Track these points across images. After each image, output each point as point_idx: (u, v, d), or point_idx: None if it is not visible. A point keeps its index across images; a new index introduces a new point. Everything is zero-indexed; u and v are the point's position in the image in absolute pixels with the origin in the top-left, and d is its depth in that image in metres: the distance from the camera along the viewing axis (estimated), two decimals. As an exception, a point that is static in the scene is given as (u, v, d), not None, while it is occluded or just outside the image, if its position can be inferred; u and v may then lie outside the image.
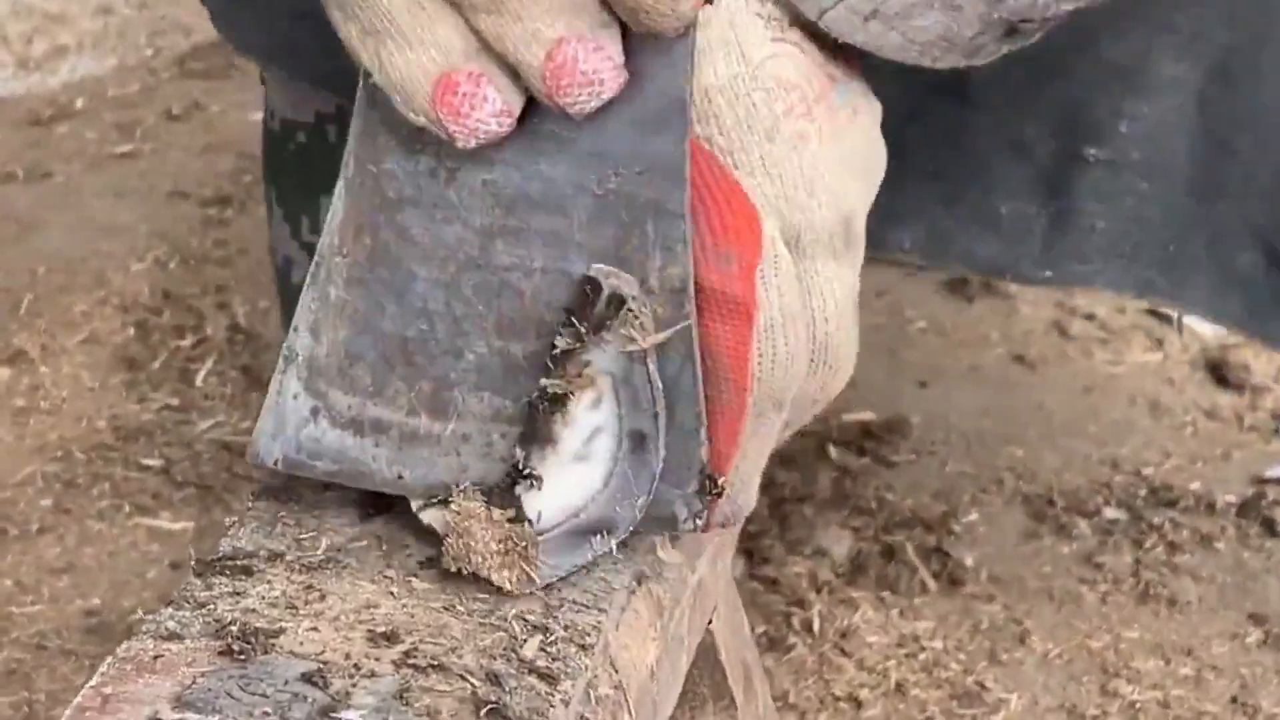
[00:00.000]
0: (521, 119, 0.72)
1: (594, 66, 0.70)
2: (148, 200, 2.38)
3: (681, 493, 0.76)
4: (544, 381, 0.74)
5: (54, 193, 2.40)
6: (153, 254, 2.21)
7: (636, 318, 0.73)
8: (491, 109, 0.71)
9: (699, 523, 0.76)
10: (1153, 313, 2.12)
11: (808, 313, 0.81)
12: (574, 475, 0.75)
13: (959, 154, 1.12)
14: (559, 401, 0.74)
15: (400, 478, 0.77)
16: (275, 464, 0.78)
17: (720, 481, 0.76)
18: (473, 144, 0.71)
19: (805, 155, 0.80)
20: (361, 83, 0.74)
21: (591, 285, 0.73)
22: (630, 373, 0.74)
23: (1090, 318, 2.12)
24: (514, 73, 0.71)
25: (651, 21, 0.70)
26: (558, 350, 0.73)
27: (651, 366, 0.73)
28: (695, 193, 0.76)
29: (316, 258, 0.77)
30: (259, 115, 2.65)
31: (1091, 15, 1.00)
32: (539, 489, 0.75)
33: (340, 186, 0.76)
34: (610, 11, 0.70)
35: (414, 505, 0.78)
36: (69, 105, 2.68)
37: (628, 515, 0.75)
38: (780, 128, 0.80)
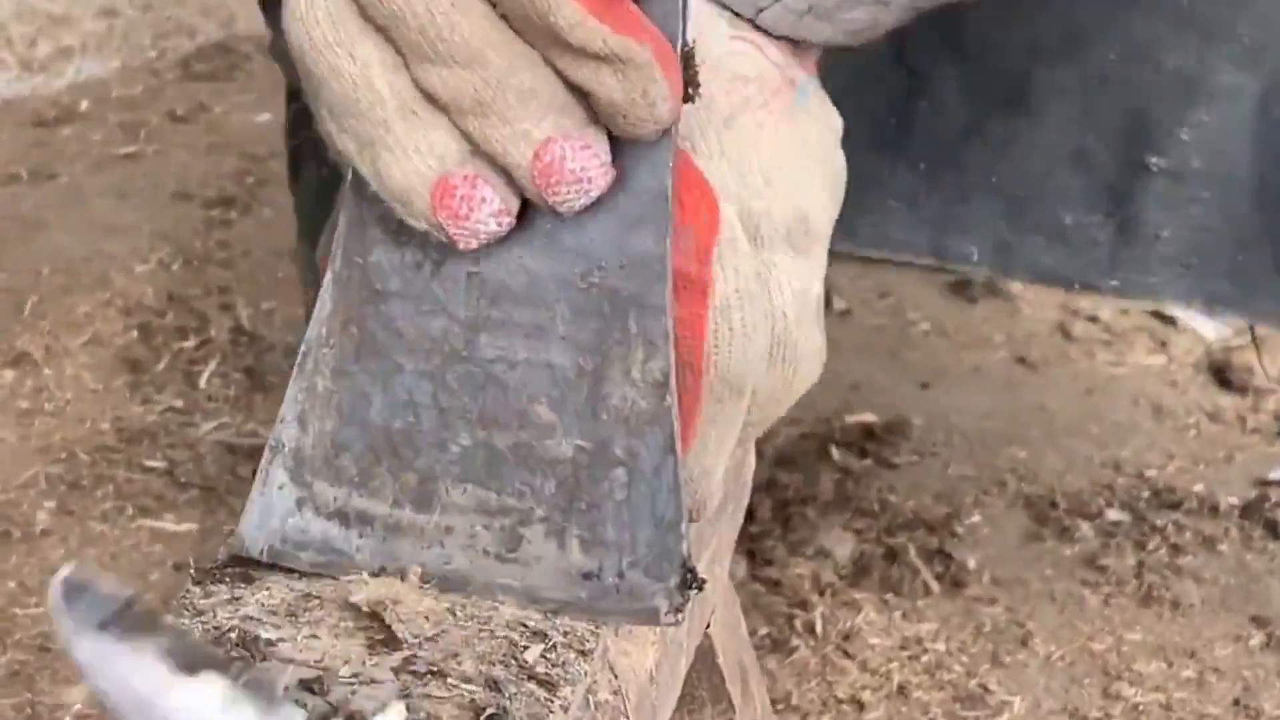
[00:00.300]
0: None
1: (582, 165, 0.70)
2: (151, 201, 2.38)
3: (663, 585, 0.76)
4: None
5: (58, 194, 2.40)
6: (156, 255, 2.21)
7: None
8: (490, 209, 0.71)
9: (680, 617, 0.76)
10: (1156, 314, 2.12)
11: (766, 300, 0.81)
12: None
13: (1020, 166, 1.13)
14: None
15: (383, 570, 0.77)
16: (260, 554, 0.78)
17: (701, 576, 0.76)
18: (474, 244, 0.72)
19: (763, 143, 0.81)
20: (349, 177, 0.75)
21: None
22: None
23: (1093, 319, 2.12)
24: (508, 173, 0.71)
25: (630, 126, 0.71)
26: None
27: None
28: None
29: (304, 348, 0.77)
30: (263, 116, 2.66)
31: (1146, 26, 1.01)
32: None
33: (328, 279, 0.77)
34: (594, 111, 0.71)
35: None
36: (73, 106, 2.68)
37: None
38: (737, 117, 0.81)
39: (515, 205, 0.72)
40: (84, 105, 2.69)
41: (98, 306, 2.08)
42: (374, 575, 0.76)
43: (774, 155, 0.81)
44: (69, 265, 2.18)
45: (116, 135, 2.59)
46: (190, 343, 2.01)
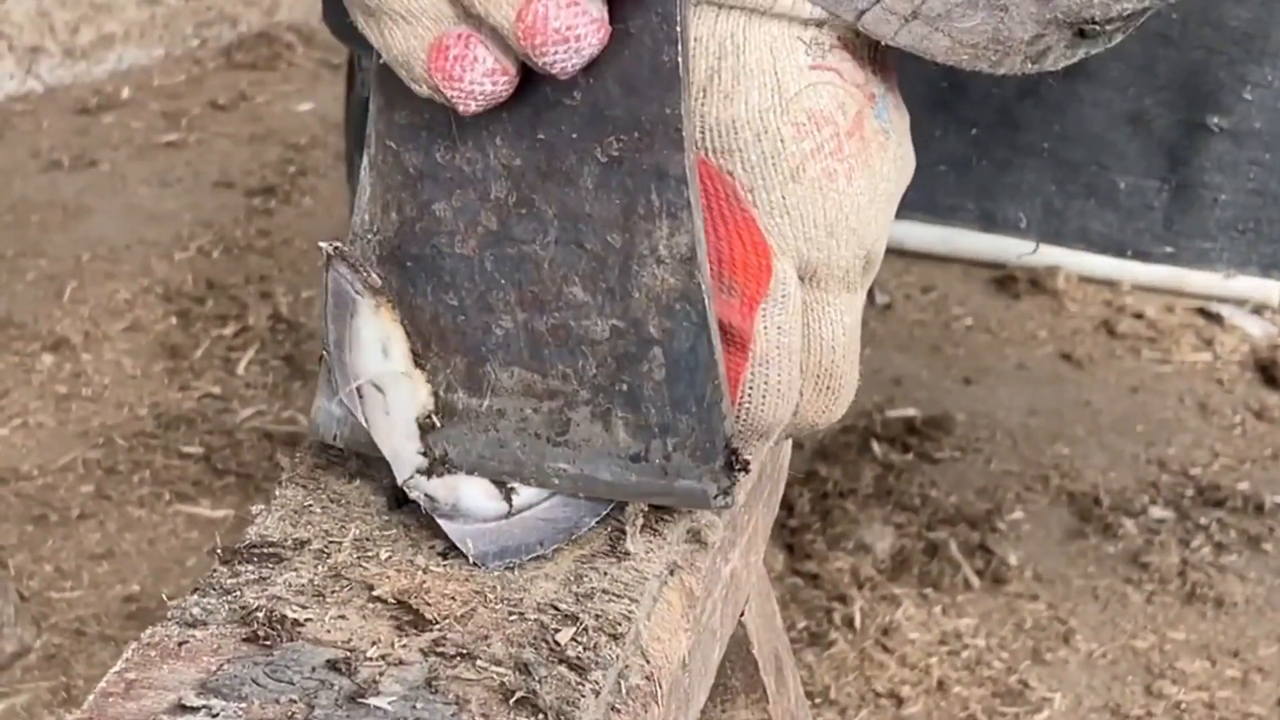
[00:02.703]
0: (521, 90, 0.72)
1: (567, 23, 0.68)
2: (192, 189, 2.38)
3: (709, 467, 0.74)
4: None
5: (100, 181, 2.40)
6: (196, 243, 2.21)
7: None
8: (483, 68, 0.70)
9: (729, 499, 0.75)
10: (1202, 312, 2.10)
11: (815, 342, 0.80)
12: None
13: (1076, 128, 1.11)
14: None
15: (446, 455, 0.77)
16: (334, 439, 0.79)
17: (745, 458, 0.75)
18: (473, 107, 0.71)
19: (830, 196, 0.78)
20: (375, 62, 0.75)
21: None
22: None
23: (1139, 316, 2.10)
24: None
25: None
26: None
27: None
28: (707, 219, 0.75)
29: (350, 236, 0.77)
30: (305, 106, 2.66)
31: None
32: None
33: (365, 163, 0.77)
34: None
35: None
36: (115, 94, 2.68)
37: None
38: (806, 167, 0.78)
39: (512, 66, 0.71)
40: (126, 93, 2.69)
41: (138, 293, 2.08)
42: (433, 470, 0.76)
43: (840, 207, 0.79)
44: (110, 252, 2.18)
45: (158, 123, 2.59)
46: (229, 330, 2.01)
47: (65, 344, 1.96)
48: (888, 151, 0.81)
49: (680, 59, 0.71)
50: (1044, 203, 1.12)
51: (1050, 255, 2.16)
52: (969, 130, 1.03)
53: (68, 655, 1.52)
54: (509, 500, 0.77)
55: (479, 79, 0.70)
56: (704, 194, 0.75)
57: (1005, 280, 2.17)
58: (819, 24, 0.79)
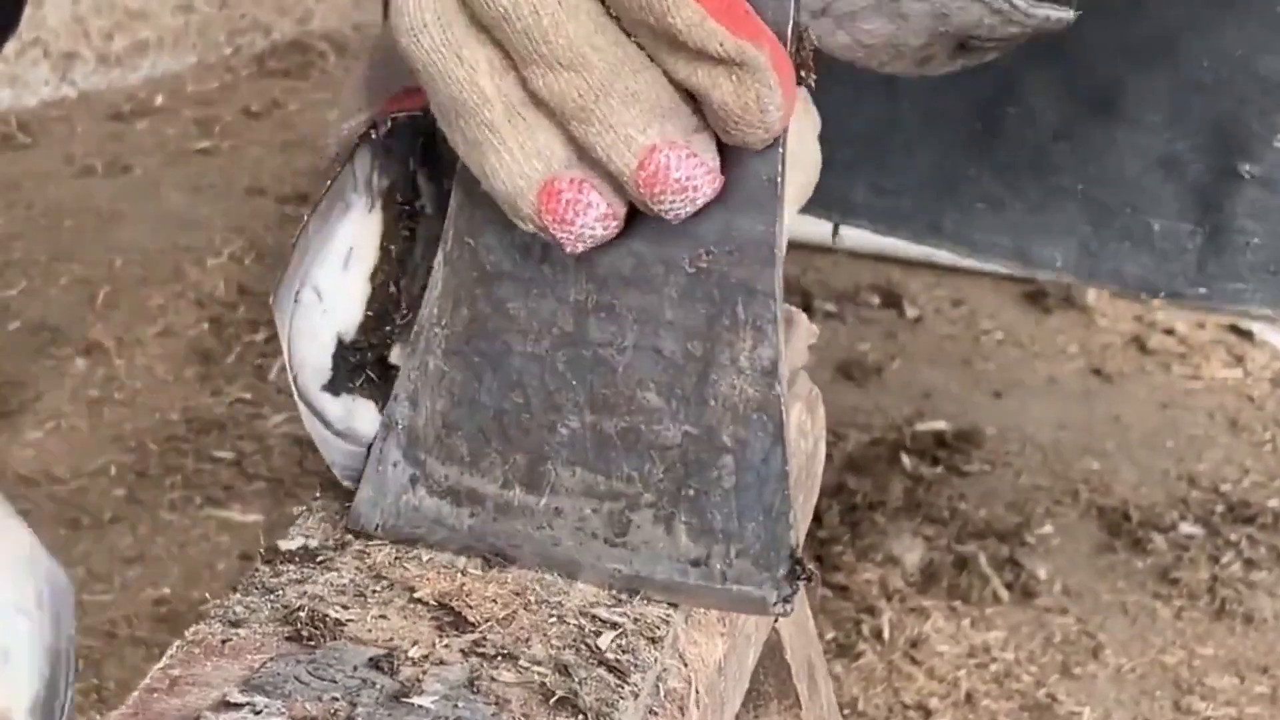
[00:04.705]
0: None
1: (687, 174, 0.69)
2: (225, 196, 2.39)
3: (770, 575, 0.75)
4: None
5: (133, 187, 2.41)
6: (229, 249, 2.22)
7: None
8: (595, 214, 0.70)
9: (788, 608, 0.76)
10: (1233, 329, 2.10)
11: None
12: None
13: (1110, 171, 1.11)
14: None
15: (497, 552, 0.77)
16: (376, 529, 0.79)
17: (809, 567, 0.75)
18: (580, 248, 0.71)
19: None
20: (459, 165, 0.75)
21: None
22: None
23: (1169, 332, 2.10)
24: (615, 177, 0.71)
25: (739, 133, 0.69)
26: None
27: None
28: None
29: (416, 328, 0.77)
30: (337, 114, 2.67)
31: (1242, 31, 0.99)
32: None
33: (440, 258, 0.77)
34: (704, 116, 0.70)
35: None
36: (149, 101, 2.69)
37: None
38: None
39: (622, 210, 0.71)
40: (159, 100, 2.70)
41: (170, 298, 2.09)
42: (486, 555, 0.77)
43: (798, 133, 0.81)
44: (142, 257, 2.19)
45: (191, 130, 2.61)
46: (260, 336, 2.02)
47: (98, 348, 1.97)
48: (809, 116, 0.87)
49: (780, 180, 0.72)
50: (1079, 243, 1.13)
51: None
52: (1004, 172, 1.05)
53: (99, 657, 1.53)
54: None
55: (590, 223, 0.70)
56: None
57: (1036, 294, 2.17)
58: None
